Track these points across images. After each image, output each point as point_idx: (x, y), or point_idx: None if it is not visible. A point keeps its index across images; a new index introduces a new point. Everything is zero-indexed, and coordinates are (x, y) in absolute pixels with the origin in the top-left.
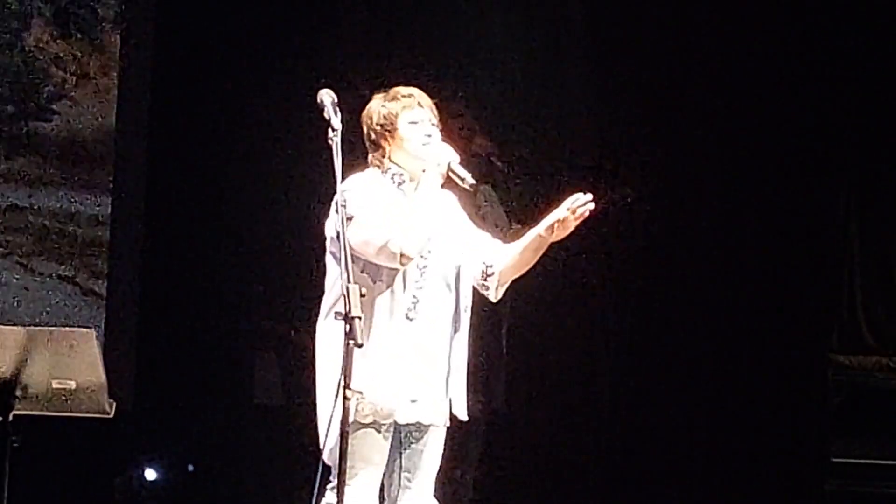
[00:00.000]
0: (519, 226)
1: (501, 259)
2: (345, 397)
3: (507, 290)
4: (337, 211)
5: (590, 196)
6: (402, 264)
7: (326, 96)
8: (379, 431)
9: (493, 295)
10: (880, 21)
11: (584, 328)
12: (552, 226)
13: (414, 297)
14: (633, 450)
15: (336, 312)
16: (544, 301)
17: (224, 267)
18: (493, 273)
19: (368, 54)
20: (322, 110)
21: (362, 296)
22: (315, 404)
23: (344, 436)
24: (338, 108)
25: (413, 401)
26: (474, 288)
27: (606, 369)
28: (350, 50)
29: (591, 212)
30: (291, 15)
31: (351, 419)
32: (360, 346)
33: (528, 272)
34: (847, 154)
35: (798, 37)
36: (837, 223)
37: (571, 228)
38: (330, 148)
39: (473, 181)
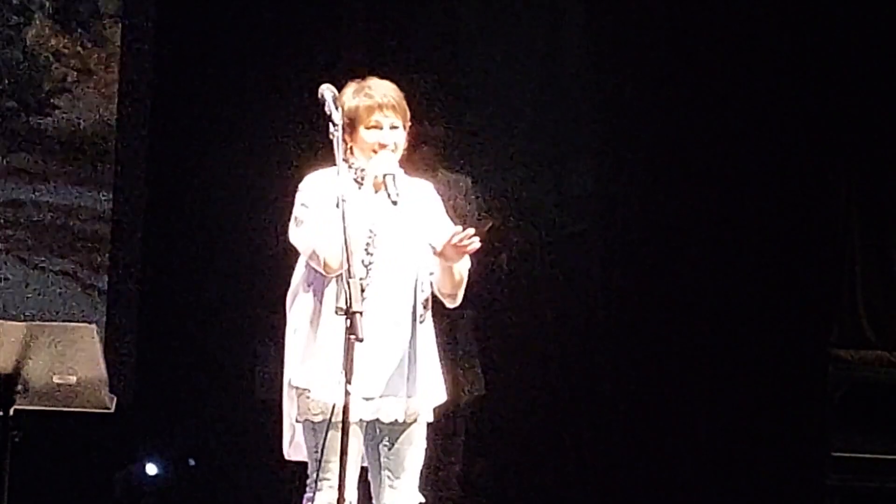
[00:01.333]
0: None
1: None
2: (346, 392)
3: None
4: (339, 206)
5: (471, 231)
6: (326, 274)
7: (327, 91)
8: (339, 429)
9: (447, 302)
10: (881, 15)
11: (580, 320)
12: (442, 252)
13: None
14: (629, 444)
15: (337, 308)
16: (538, 295)
17: (225, 261)
18: (432, 283)
19: (369, 48)
20: (323, 105)
21: (363, 290)
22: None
23: (345, 434)
24: (339, 103)
25: (367, 398)
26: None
27: (600, 363)
28: (351, 44)
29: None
30: (293, 9)
31: (303, 417)
32: (361, 340)
33: (527, 261)
34: (848, 148)
35: (799, 30)
36: (838, 217)
37: (462, 258)
38: (331, 142)
39: (395, 201)
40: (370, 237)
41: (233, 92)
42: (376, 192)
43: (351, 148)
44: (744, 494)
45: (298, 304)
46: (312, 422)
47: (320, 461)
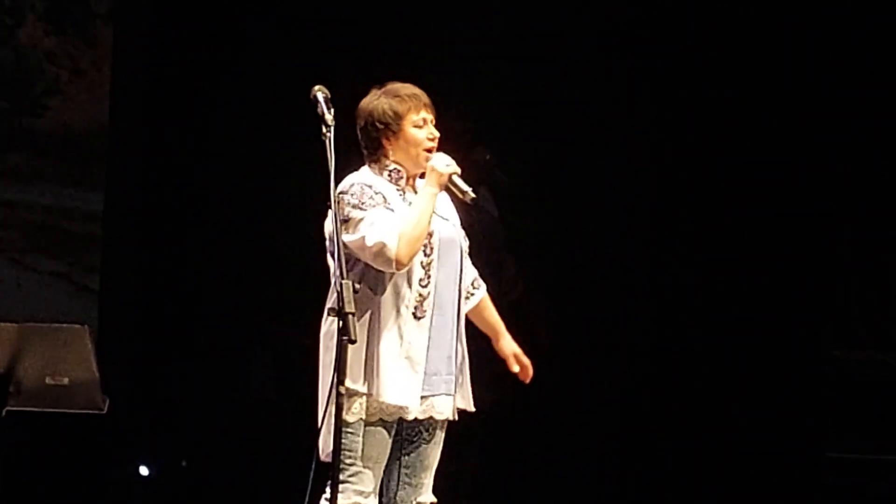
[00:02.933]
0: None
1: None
2: (339, 393)
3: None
4: (332, 209)
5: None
6: (396, 270)
7: (319, 92)
8: (387, 430)
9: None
10: (879, 20)
11: (582, 319)
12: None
13: (420, 294)
14: (629, 444)
15: (329, 308)
16: (541, 295)
17: (218, 262)
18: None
19: (363, 49)
20: (315, 106)
21: (356, 292)
22: (317, 402)
23: (339, 433)
24: (331, 105)
25: (424, 397)
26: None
27: (602, 362)
28: (345, 45)
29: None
30: (286, 9)
31: (354, 418)
32: (354, 342)
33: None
34: (841, 150)
35: (795, 34)
36: (832, 218)
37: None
38: (323, 144)
39: (474, 195)
40: (428, 237)
41: (226, 92)
42: (440, 191)
43: (384, 152)
44: (739, 494)
45: None
46: (366, 422)
47: (350, 463)
